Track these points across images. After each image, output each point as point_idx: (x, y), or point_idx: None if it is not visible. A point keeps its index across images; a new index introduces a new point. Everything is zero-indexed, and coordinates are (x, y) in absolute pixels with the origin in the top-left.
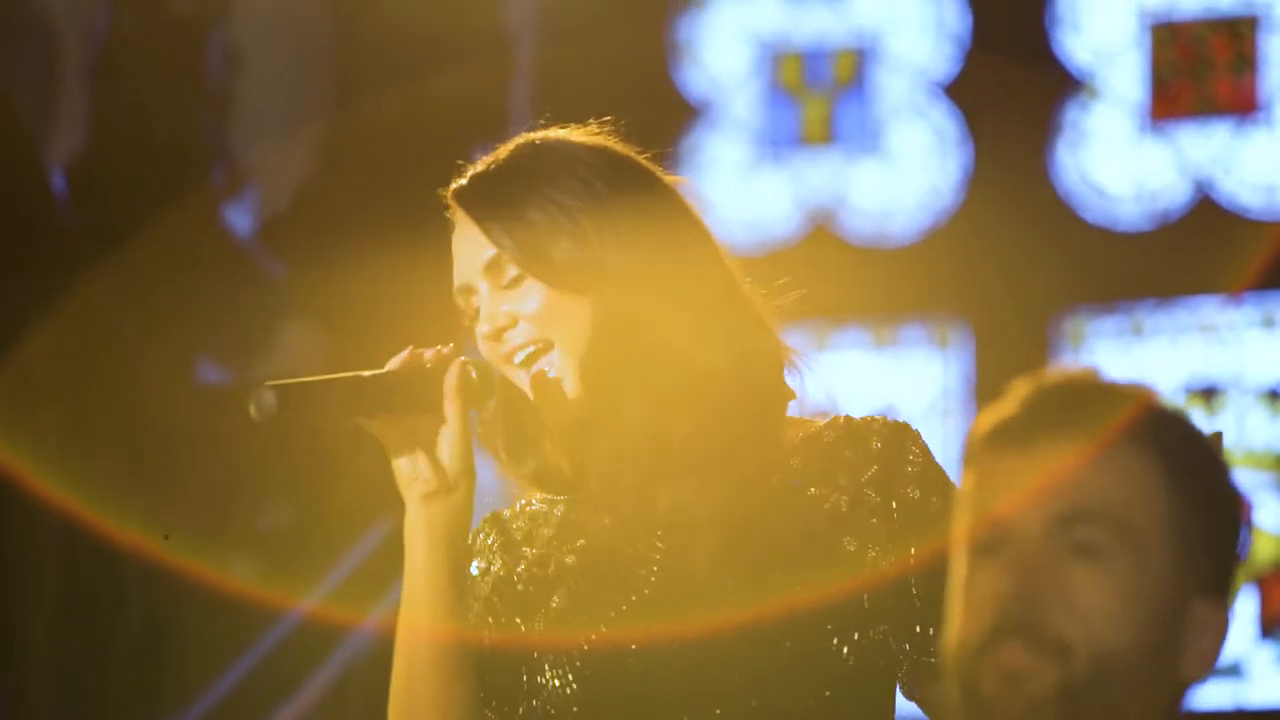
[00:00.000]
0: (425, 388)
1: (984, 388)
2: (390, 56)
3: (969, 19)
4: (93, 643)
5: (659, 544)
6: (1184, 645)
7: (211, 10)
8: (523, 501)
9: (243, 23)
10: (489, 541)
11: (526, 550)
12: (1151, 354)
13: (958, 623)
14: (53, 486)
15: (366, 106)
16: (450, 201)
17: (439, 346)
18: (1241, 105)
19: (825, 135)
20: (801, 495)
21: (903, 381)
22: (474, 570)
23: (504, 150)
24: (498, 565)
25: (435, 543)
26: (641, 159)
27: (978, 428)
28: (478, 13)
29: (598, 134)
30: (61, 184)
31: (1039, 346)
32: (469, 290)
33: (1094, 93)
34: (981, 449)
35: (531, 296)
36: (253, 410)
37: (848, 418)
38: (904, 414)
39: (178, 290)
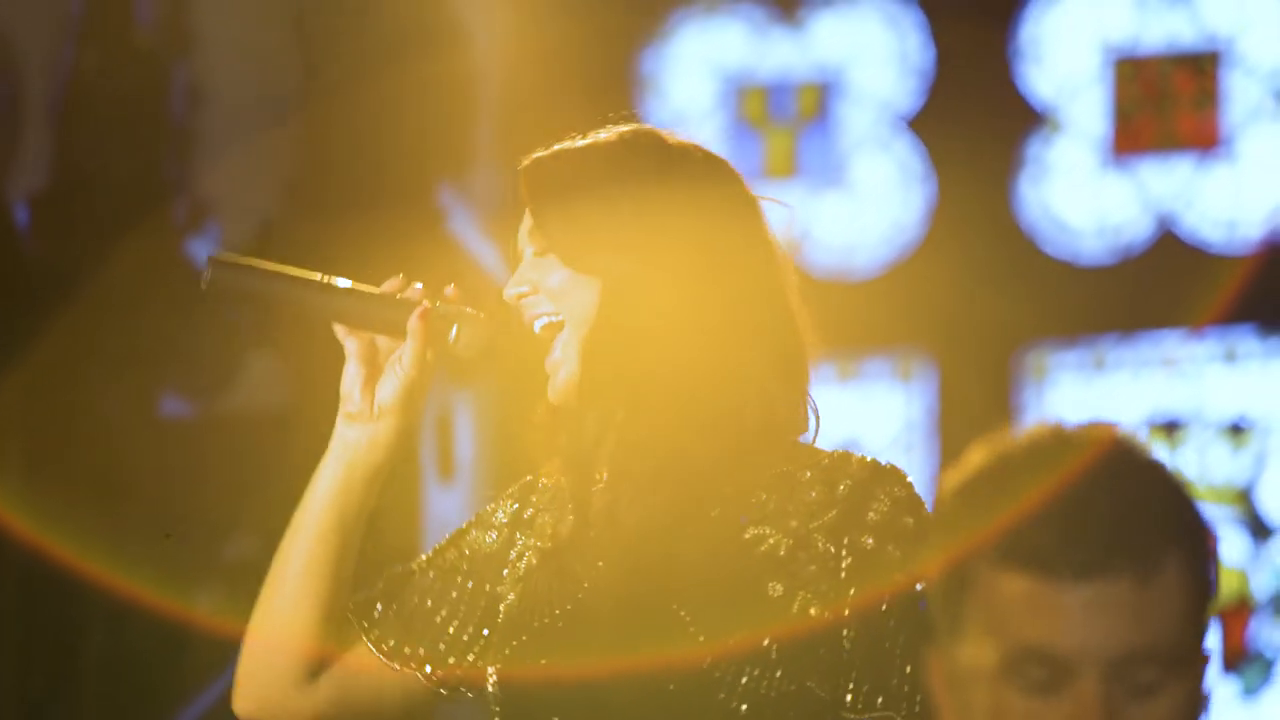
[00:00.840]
0: (397, 314)
1: (948, 421)
2: (356, 92)
3: (932, 53)
4: (55, 675)
5: (600, 560)
6: (1199, 704)
7: (175, 45)
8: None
9: (207, 57)
10: (508, 507)
11: (521, 536)
12: (1113, 388)
13: None
14: (15, 519)
15: (331, 141)
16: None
17: (416, 285)
18: (1204, 140)
19: (789, 168)
20: (738, 534)
21: (866, 415)
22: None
23: (579, 136)
24: (491, 536)
25: (338, 462)
26: (726, 170)
27: (978, 532)
28: (444, 52)
29: (691, 140)
30: (24, 218)
31: (1002, 380)
32: (517, 257)
33: (1057, 127)
34: (1006, 569)
35: (554, 271)
36: (203, 276)
37: (838, 456)
38: (868, 448)
39: (140, 324)
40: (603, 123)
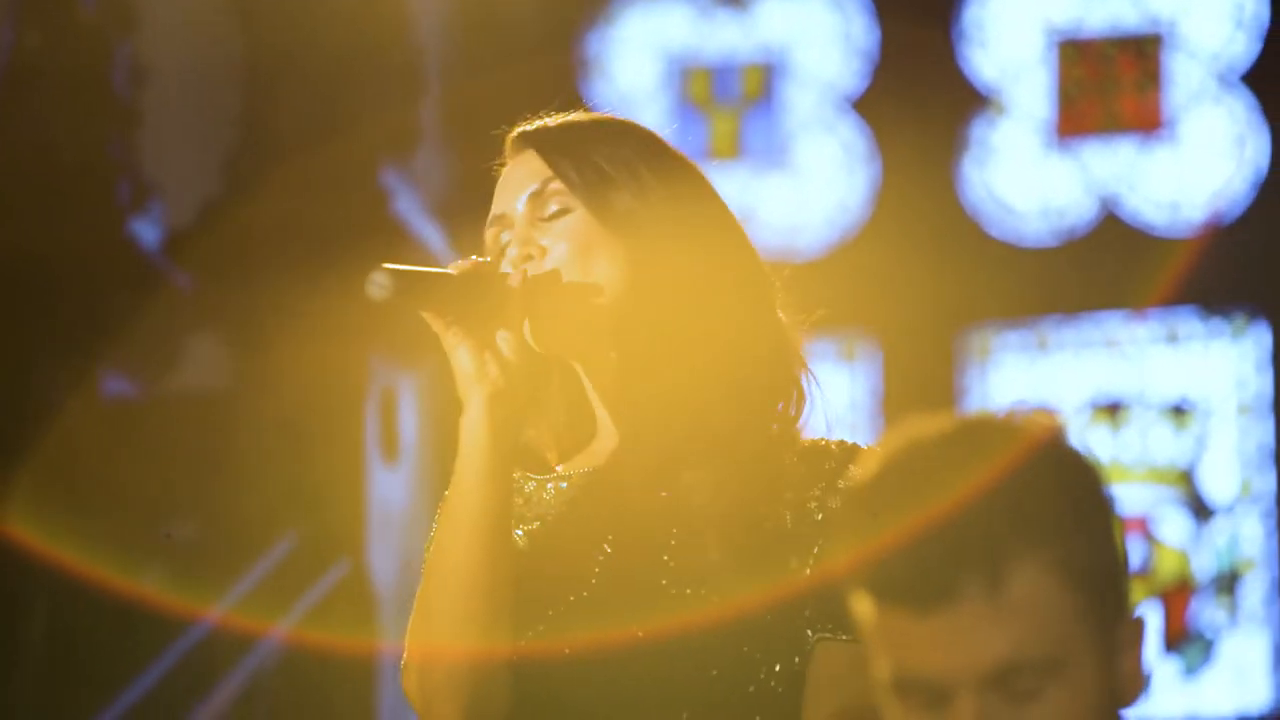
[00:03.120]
0: (490, 289)
1: (892, 402)
2: (300, 71)
3: (877, 35)
4: None
5: (607, 545)
6: (1120, 678)
7: (119, 23)
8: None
9: (150, 35)
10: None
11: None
12: (1056, 369)
13: None
14: None
15: (275, 120)
16: (509, 145)
17: (483, 257)
18: (1146, 123)
19: (733, 150)
20: (754, 511)
21: (810, 395)
22: None
23: (577, 111)
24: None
25: (500, 442)
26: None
27: (860, 550)
28: (388, 28)
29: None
30: None
31: (945, 361)
32: (503, 221)
33: (1001, 109)
34: (870, 599)
35: (569, 233)
36: (371, 290)
37: (826, 440)
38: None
39: (84, 303)
40: (550, 106)
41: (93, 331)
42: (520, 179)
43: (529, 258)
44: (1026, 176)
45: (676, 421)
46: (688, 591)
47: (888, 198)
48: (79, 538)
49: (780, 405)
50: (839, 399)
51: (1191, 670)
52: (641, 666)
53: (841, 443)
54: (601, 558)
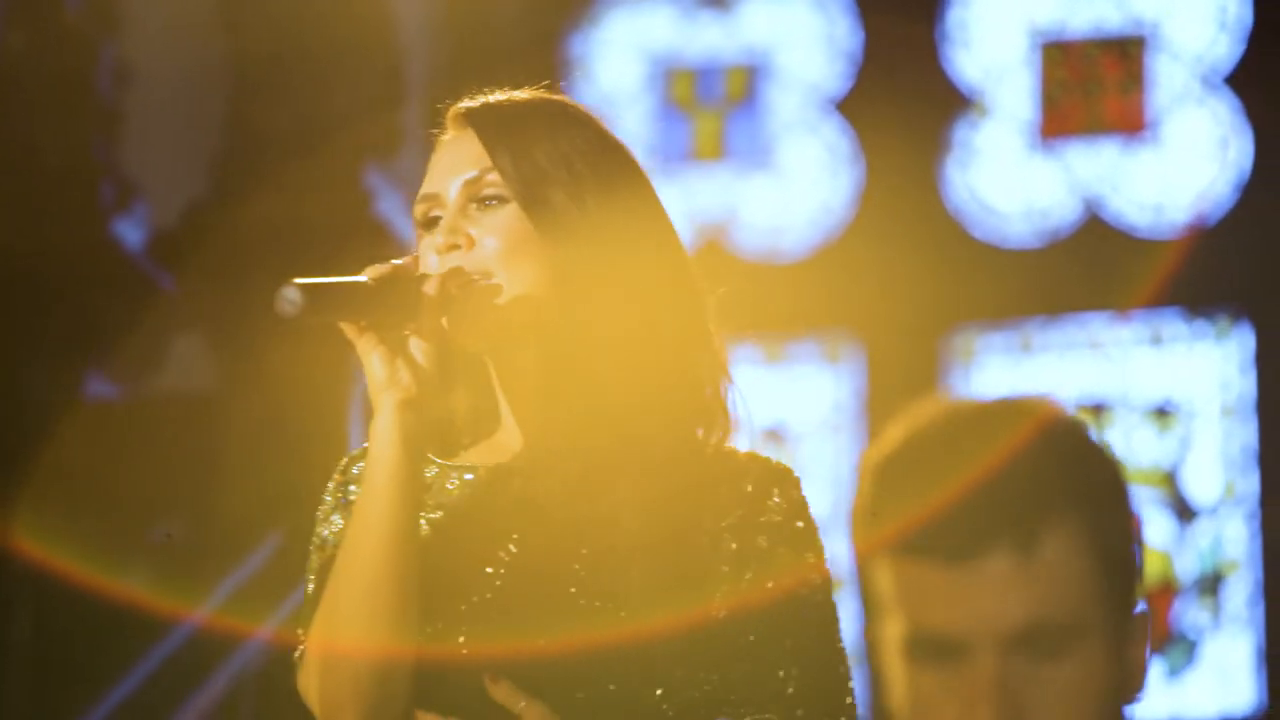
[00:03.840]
0: (406, 294)
1: (876, 403)
2: (284, 71)
3: (860, 36)
4: None
5: (513, 546)
6: (1128, 669)
7: (102, 24)
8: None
9: (134, 36)
10: (333, 501)
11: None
12: (1040, 370)
13: None
14: None
15: (258, 121)
16: (451, 119)
17: (407, 258)
18: (1130, 124)
19: (717, 151)
20: (671, 527)
21: (794, 398)
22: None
23: (523, 91)
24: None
25: (409, 448)
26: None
27: (885, 523)
28: (371, 29)
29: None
30: None
31: (929, 362)
32: (434, 200)
33: (984, 110)
34: (896, 553)
35: (500, 228)
36: (281, 306)
37: (746, 456)
38: (795, 430)
39: (68, 304)
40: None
41: (77, 334)
42: (457, 160)
43: (455, 247)
44: (1010, 178)
45: (595, 430)
46: (597, 604)
47: (871, 199)
48: (65, 539)
49: (704, 420)
50: (822, 401)
51: (1175, 672)
52: (542, 674)
53: (764, 462)
54: (506, 558)
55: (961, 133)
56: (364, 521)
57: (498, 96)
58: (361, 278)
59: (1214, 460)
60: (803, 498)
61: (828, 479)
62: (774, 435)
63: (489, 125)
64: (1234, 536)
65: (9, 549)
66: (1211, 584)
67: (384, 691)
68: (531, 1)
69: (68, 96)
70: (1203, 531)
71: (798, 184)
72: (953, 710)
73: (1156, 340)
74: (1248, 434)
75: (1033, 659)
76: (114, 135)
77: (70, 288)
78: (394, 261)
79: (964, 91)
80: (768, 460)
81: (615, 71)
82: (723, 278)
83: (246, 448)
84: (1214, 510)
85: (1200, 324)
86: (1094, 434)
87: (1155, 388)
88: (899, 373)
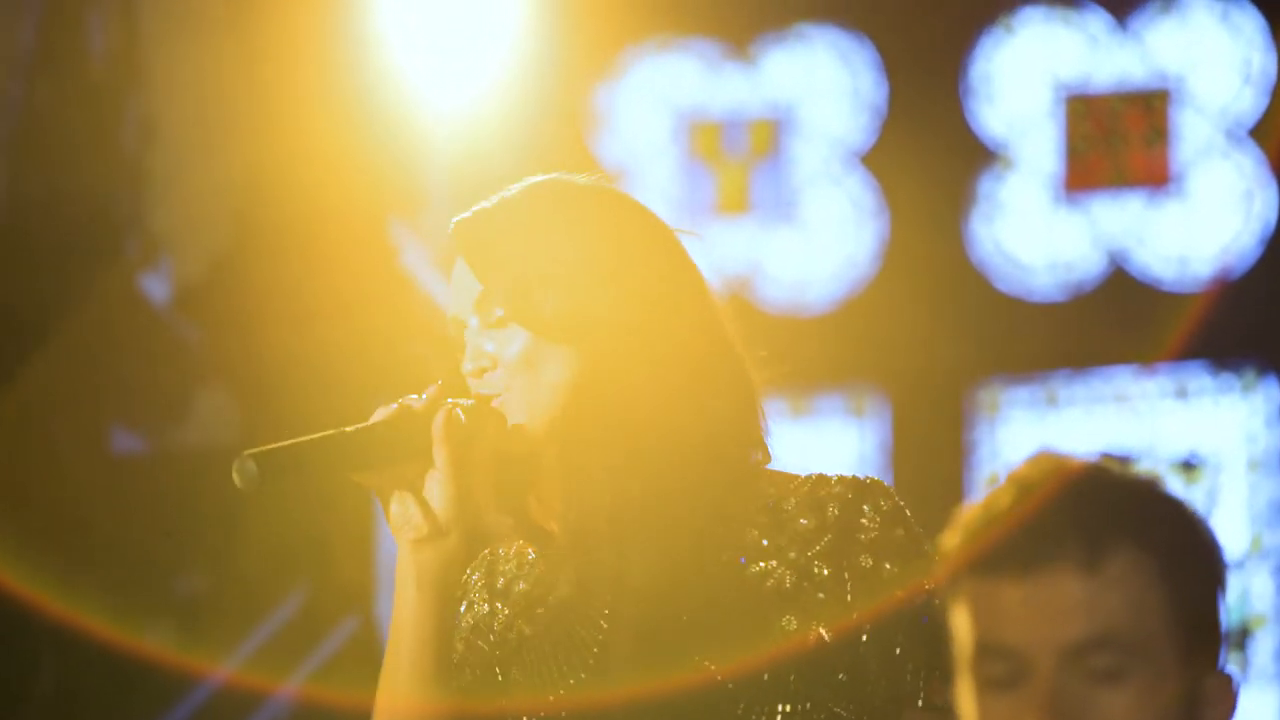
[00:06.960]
0: (414, 433)
1: (900, 457)
2: (308, 127)
3: (885, 89)
4: (6, 712)
5: (603, 620)
6: None
7: (128, 79)
8: (518, 544)
9: (159, 91)
10: (476, 579)
11: (500, 605)
12: (1066, 424)
13: None
14: None
15: (284, 176)
16: (451, 237)
17: (430, 387)
18: (1154, 177)
19: (741, 204)
20: (742, 574)
21: (819, 451)
22: (461, 608)
23: (511, 192)
24: (482, 607)
25: (424, 589)
26: (648, 210)
27: (958, 548)
28: (396, 81)
29: (606, 182)
30: None
31: (954, 416)
32: (459, 323)
33: (1009, 164)
34: (970, 575)
35: (514, 341)
36: (237, 479)
37: (815, 480)
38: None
39: (94, 358)
40: (553, 161)
41: (102, 387)
42: (465, 279)
43: (484, 370)
44: (1035, 231)
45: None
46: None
47: (896, 252)
48: (87, 594)
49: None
50: (847, 455)
51: None
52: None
53: (845, 481)
54: (601, 634)
55: (986, 186)
56: (396, 655)
57: (488, 203)
58: (371, 421)
59: (1240, 514)
60: (896, 505)
61: None
62: None
63: (470, 243)
64: (1261, 591)
65: (33, 604)
66: (1239, 638)
67: None
68: (556, 55)
69: (93, 151)
70: (1230, 585)
71: (822, 237)
72: None
73: (1182, 394)
74: (1274, 487)
75: (1091, 679)
76: (139, 189)
77: (95, 341)
78: (403, 401)
79: (989, 145)
80: (843, 478)
81: (640, 125)
82: (747, 332)
83: (271, 503)
84: (1240, 564)
85: (1226, 377)
86: (1172, 489)
87: (1181, 441)
88: (924, 426)
